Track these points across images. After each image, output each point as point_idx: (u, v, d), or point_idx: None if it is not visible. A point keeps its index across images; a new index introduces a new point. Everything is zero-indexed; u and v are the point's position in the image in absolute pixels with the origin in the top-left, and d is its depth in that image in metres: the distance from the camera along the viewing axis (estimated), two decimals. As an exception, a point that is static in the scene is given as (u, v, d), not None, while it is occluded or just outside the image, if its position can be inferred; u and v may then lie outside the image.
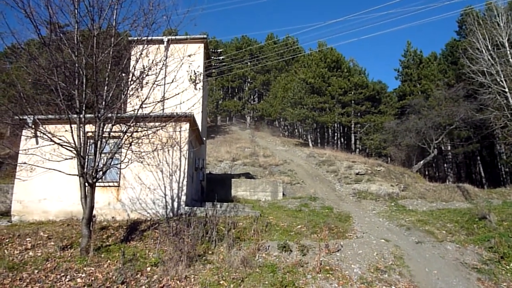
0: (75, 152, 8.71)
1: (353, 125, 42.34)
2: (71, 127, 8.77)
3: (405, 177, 26.09)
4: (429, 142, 31.37)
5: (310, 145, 41.06)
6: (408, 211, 15.19)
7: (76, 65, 8.68)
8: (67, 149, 8.76)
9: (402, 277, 8.40)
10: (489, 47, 25.82)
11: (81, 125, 8.84)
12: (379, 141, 38.10)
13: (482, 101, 26.74)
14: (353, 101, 41.22)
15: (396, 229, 12.42)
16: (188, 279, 7.93)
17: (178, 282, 7.80)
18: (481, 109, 27.36)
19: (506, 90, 24.81)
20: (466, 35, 32.32)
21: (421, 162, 32.40)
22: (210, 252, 9.28)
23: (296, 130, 54.68)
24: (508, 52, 24.76)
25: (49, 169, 9.31)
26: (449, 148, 36.95)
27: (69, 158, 9.02)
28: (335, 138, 46.35)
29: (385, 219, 13.82)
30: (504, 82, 24.86)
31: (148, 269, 8.27)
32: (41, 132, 8.87)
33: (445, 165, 38.33)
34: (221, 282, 7.87)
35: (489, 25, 26.18)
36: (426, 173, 38.84)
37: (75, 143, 8.72)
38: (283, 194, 19.11)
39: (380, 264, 8.97)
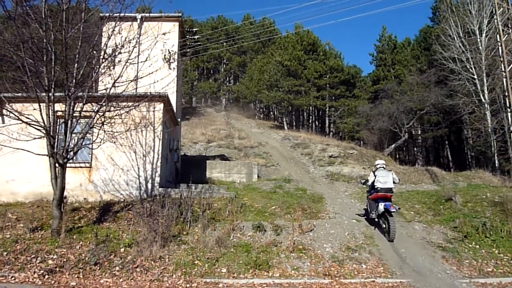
0: (44, 131, 8.45)
1: (327, 109, 42.78)
2: (39, 106, 8.46)
3: (377, 160, 26.66)
4: (401, 126, 32.16)
5: (285, 127, 41.32)
6: (379, 193, 15.57)
7: (44, 41, 8.32)
8: (36, 128, 8.49)
9: (371, 256, 8.69)
10: (461, 34, 26.44)
11: (50, 103, 8.55)
12: (353, 124, 38.72)
13: (452, 87, 27.53)
14: (328, 85, 41.53)
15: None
16: (162, 259, 7.94)
17: (152, 262, 7.80)
18: (451, 95, 28.18)
19: (475, 77, 25.59)
20: (440, 21, 32.97)
21: (393, 145, 33.24)
22: (184, 232, 9.30)
23: (271, 113, 54.79)
24: (478, 39, 25.43)
25: (17, 149, 9.01)
26: (419, 132, 38.02)
27: (38, 138, 8.74)
28: (310, 121, 46.77)
29: (356, 200, 14.17)
30: (473, 69, 25.62)
31: (122, 250, 8.23)
32: (7, 110, 8.53)
33: (415, 148, 39.48)
34: (196, 262, 7.93)
35: (462, 13, 26.77)
36: (397, 156, 39.90)
37: (44, 122, 8.45)
38: (258, 176, 19.23)
39: (351, 243, 9.24)
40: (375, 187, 10.06)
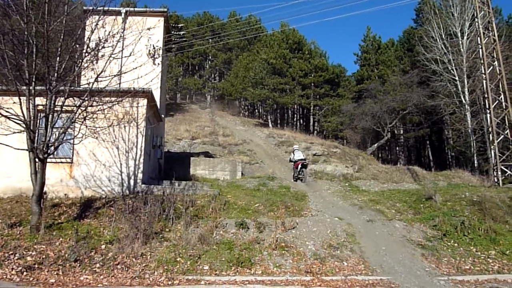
0: (24, 125, 8.28)
1: (312, 107, 43.03)
2: (19, 99, 8.28)
3: (360, 159, 27.02)
4: (383, 126, 32.59)
5: (270, 125, 41.41)
6: (361, 191, 15.77)
7: (26, 33, 8.14)
8: (15, 122, 8.31)
9: (353, 253, 8.80)
10: (443, 36, 26.92)
11: (30, 97, 8.38)
12: (337, 123, 39.06)
13: (434, 88, 28.04)
14: (313, 84, 41.75)
15: (349, 208, 12.88)
16: (144, 256, 7.89)
17: (134, 259, 7.74)
18: (433, 95, 28.70)
19: (456, 78, 26.11)
20: (423, 23, 33.48)
21: (375, 145, 33.68)
22: (167, 229, 9.25)
23: (256, 110, 54.81)
24: (460, 42, 25.94)
25: (-4, 143, 8.81)
26: (401, 132, 38.61)
27: (18, 132, 8.55)
28: (295, 119, 47.01)
29: (339, 199, 14.29)
30: (454, 70, 26.14)
31: (103, 246, 8.14)
32: (-14, 104, 8.33)
33: (397, 148, 40.08)
34: (178, 259, 7.90)
35: (444, 15, 27.26)
36: (380, 155, 40.41)
37: (24, 116, 8.29)
38: (242, 173, 19.23)
39: (333, 241, 9.32)
40: (296, 160, 17.53)
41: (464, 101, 25.62)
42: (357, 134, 37.01)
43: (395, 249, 9.18)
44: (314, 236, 9.54)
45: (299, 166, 17.25)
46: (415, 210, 12.25)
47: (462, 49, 25.77)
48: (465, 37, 25.73)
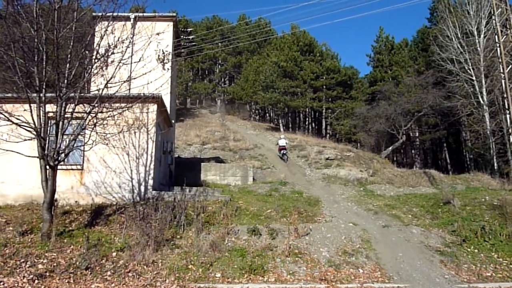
0: (34, 133, 8.42)
1: (324, 110, 42.86)
2: (30, 107, 8.44)
3: (374, 163, 26.80)
4: (398, 128, 32.25)
5: (281, 129, 41.31)
6: (376, 196, 15.66)
7: (36, 40, 8.31)
8: (26, 129, 8.45)
9: (368, 260, 8.72)
10: (459, 35, 26.62)
11: (41, 104, 8.53)
12: (350, 126, 38.80)
13: (450, 88, 27.70)
14: (324, 86, 41.61)
15: (364, 213, 12.80)
16: (155, 263, 7.92)
17: (145, 267, 7.78)
18: (449, 96, 28.35)
19: (473, 78, 25.77)
20: (437, 22, 33.20)
21: (390, 148, 33.32)
22: (178, 236, 9.28)
23: (267, 114, 54.78)
24: (477, 40, 25.64)
25: (7, 150, 8.97)
26: (417, 134, 38.17)
27: (29, 139, 8.70)
28: (306, 123, 46.84)
29: (353, 204, 14.20)
30: (471, 70, 25.80)
31: (114, 254, 8.20)
32: (-3, 111, 8.48)
33: (412, 151, 39.63)
34: (190, 267, 7.91)
35: (460, 13, 26.98)
36: (395, 159, 40.02)
37: (34, 124, 8.42)
38: (253, 178, 19.24)
39: (348, 248, 9.25)
40: (279, 145, 24.72)
41: (482, 102, 25.26)
42: (371, 137, 36.70)
43: (412, 256, 9.07)
44: (328, 243, 9.47)
45: (281, 150, 24.81)
46: (432, 215, 12.11)
47: (479, 48, 25.45)
48: (481, 36, 25.41)
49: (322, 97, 41.91)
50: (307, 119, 47.17)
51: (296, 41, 42.14)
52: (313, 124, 47.61)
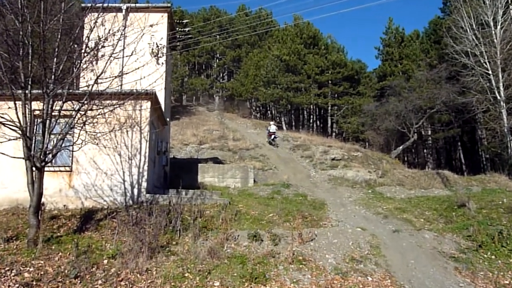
0: (20, 132, 8.41)
1: (329, 107, 42.87)
2: (15, 104, 8.43)
3: (383, 163, 26.80)
4: (409, 126, 32.21)
5: (284, 128, 41.36)
6: (386, 199, 15.66)
7: (21, 33, 8.29)
8: (11, 129, 8.44)
9: (378, 267, 8.71)
10: (474, 26, 26.52)
11: (26, 101, 8.52)
12: (357, 124, 38.82)
13: (465, 83, 27.58)
14: (330, 81, 41.63)
15: (373, 217, 12.79)
16: (149, 272, 7.91)
17: (138, 275, 7.77)
18: (463, 92, 28.27)
19: (490, 72, 25.68)
20: (451, 12, 33.07)
21: (400, 147, 33.31)
22: (174, 242, 9.28)
23: (269, 112, 54.77)
24: (493, 32, 25.56)
25: (-10, 151, 8.96)
26: (429, 132, 38.13)
27: (14, 139, 8.69)
28: (311, 121, 46.83)
29: (361, 207, 14.20)
30: (487, 63, 25.70)
31: (105, 261, 8.19)
32: (-20, 109, 8.49)
33: (424, 150, 39.61)
34: (186, 275, 7.91)
35: (475, 3, 26.87)
36: (405, 159, 40.03)
37: (20, 122, 8.42)
38: (254, 180, 19.24)
39: (356, 254, 9.24)
40: (269, 131, 29.01)
41: (499, 97, 25.16)
42: (380, 135, 36.70)
43: (425, 262, 9.06)
44: (334, 249, 9.47)
45: (271, 135, 28.99)
46: (446, 218, 12.10)
47: (495, 40, 25.33)
48: (498, 27, 25.31)
49: (327, 93, 41.93)
50: (311, 116, 47.14)
51: (299, 33, 42.17)
52: (318, 122, 47.61)
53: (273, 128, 29.35)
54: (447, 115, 32.89)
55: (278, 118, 48.81)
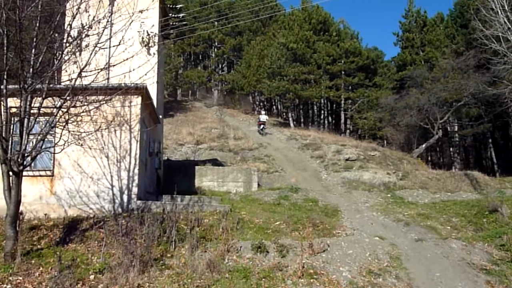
0: (-6, 132, 8.44)
1: (343, 101, 42.78)
2: (-11, 101, 8.46)
3: (404, 164, 26.75)
4: (433, 121, 32.11)
5: (292, 125, 41.35)
6: (407, 204, 15.64)
7: (-6, 21, 8.32)
8: (-16, 128, 8.48)
9: (399, 281, 8.70)
10: (506, 8, 26.43)
11: (2, 98, 8.54)
12: (374, 120, 38.73)
13: (496, 72, 27.45)
14: (343, 72, 41.54)
15: (392, 225, 12.78)
16: (141, 287, 7.94)
17: (129, 292, 7.79)
18: (494, 82, 28.10)
19: (524, 59, 25.63)
20: (479, -8, 32.95)
21: (423, 145, 33.21)
22: (168, 255, 9.30)
23: (274, 107, 54.84)
24: (527, 14, 25.45)
25: (-38, 154, 8.98)
26: (456, 129, 38.00)
27: (-12, 140, 8.73)
28: (322, 117, 46.80)
29: (380, 213, 14.19)
30: (521, 50, 25.64)
31: (92, 277, 8.21)
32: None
33: (451, 149, 39.48)
34: (183, 291, 7.92)
35: (506, -19, 26.76)
36: (429, 158, 39.90)
37: (-6, 121, 8.44)
38: (258, 184, 19.27)
39: (374, 266, 9.24)
40: (261, 120, 33.43)
41: (535, 88, 25.08)
42: (400, 132, 36.62)
43: (452, 275, 9.04)
44: (349, 261, 9.47)
45: (261, 125, 33.14)
46: (476, 226, 12.07)
47: (530, 23, 25.23)
48: (533, 8, 25.20)
49: (340, 85, 41.83)
50: (322, 112, 47.12)
51: (308, 18, 42.08)
52: (330, 118, 47.59)
53: (263, 117, 33.74)
54: (476, 109, 32.72)
55: (284, 114, 48.86)
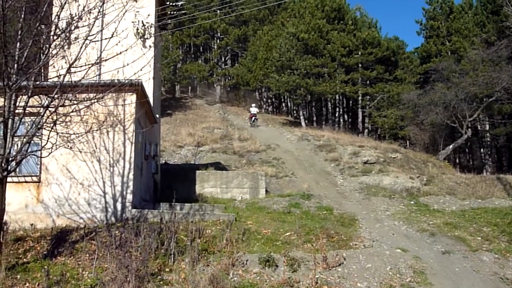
0: (-24, 134, 8.53)
1: (360, 97, 42.71)
2: (-30, 100, 8.56)
3: (429, 167, 26.66)
4: (461, 119, 32.02)
5: (303, 124, 41.32)
6: (433, 212, 15.58)
7: (-25, 12, 8.42)
8: (-35, 130, 8.57)
9: (423, 298, 8.70)
10: (542, -8, 26.34)
11: (-16, 97, 8.63)
12: (395, 118, 38.63)
13: (531, 64, 27.40)
14: (360, 65, 41.47)
15: (416, 236, 12.75)
16: (137, 306, 7.98)
17: (124, 310, 7.84)
18: (530, 75, 28.03)
19: (563, 49, 25.51)
20: (512, -25, 32.81)
21: (450, 146, 33.12)
22: (167, 269, 9.33)
23: (283, 104, 54.86)
24: None
25: None
26: (487, 127, 37.82)
27: (-31, 144, 8.83)
28: (337, 115, 46.72)
29: (402, 223, 14.16)
30: (560, 39, 25.52)
31: (83, 293, 8.27)
32: None
33: (481, 150, 39.29)
34: (183, 309, 7.97)
35: (542, -38, 26.64)
36: (457, 161, 39.77)
37: (-24, 123, 8.54)
38: (266, 190, 19.27)
39: (395, 282, 9.23)
40: (252, 112, 38.29)
41: None
42: (424, 132, 36.52)
43: (483, 292, 9.02)
44: (368, 275, 9.47)
45: (252, 117, 37.55)
46: (510, 236, 12.02)
47: None
48: None
49: (357, 79, 41.78)
50: (337, 109, 47.02)
51: (320, 5, 42.06)
52: (346, 116, 47.48)
53: (254, 110, 38.68)
54: (510, 105, 32.59)
55: (295, 112, 48.85)
